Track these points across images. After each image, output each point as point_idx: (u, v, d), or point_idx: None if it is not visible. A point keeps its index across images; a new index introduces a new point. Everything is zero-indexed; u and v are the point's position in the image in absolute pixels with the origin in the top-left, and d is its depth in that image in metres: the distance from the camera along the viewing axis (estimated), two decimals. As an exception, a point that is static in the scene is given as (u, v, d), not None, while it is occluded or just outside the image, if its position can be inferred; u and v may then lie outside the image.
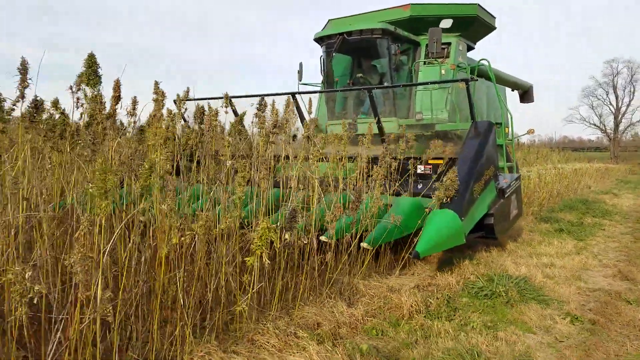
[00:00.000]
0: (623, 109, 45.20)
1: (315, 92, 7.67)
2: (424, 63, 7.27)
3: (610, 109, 45.80)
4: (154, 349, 2.47)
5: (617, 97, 45.33)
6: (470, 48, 8.19)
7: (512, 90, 10.45)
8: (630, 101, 44.92)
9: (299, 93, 5.42)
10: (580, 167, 16.79)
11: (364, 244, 3.80)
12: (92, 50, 3.08)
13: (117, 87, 2.94)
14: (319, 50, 7.64)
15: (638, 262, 5.17)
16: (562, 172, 12.88)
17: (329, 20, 8.36)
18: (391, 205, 4.37)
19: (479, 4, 7.42)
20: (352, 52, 7.61)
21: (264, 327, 2.96)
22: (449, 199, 4.11)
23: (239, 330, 2.95)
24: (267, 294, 3.33)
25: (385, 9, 7.68)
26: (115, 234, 2.15)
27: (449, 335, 3.07)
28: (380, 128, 4.94)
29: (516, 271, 4.53)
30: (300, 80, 8.23)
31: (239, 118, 5.04)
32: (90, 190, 2.01)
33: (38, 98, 2.72)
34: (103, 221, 2.04)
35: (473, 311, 3.54)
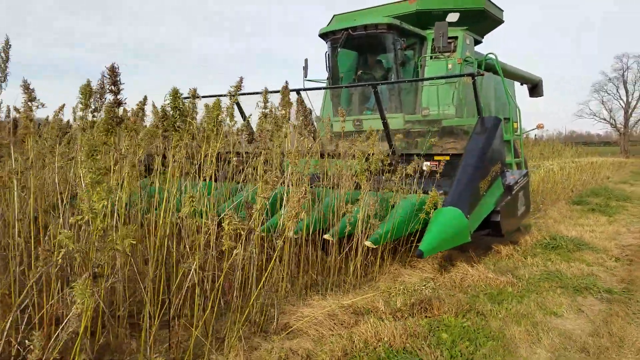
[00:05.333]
0: (633, 103, 46.20)
1: (319, 88, 7.58)
2: (430, 58, 7.17)
3: (620, 103, 46.80)
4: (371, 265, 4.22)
5: (627, 92, 46.30)
6: (477, 42, 8.09)
7: (521, 84, 10.49)
8: (640, 95, 45.86)
9: (304, 90, 5.28)
10: (596, 161, 18.40)
11: (367, 243, 3.80)
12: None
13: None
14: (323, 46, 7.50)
15: (658, 230, 6.83)
16: (580, 165, 14.48)
17: (333, 15, 8.30)
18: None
19: None
20: (358, 48, 7.52)
21: (401, 266, 4.62)
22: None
23: (376, 270, 4.61)
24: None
25: (390, 3, 7.66)
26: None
27: (539, 264, 4.77)
28: (385, 124, 4.85)
29: (568, 234, 6.16)
30: (306, 77, 8.12)
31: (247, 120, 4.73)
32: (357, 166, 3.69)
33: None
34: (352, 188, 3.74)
35: (547, 254, 5.21)
